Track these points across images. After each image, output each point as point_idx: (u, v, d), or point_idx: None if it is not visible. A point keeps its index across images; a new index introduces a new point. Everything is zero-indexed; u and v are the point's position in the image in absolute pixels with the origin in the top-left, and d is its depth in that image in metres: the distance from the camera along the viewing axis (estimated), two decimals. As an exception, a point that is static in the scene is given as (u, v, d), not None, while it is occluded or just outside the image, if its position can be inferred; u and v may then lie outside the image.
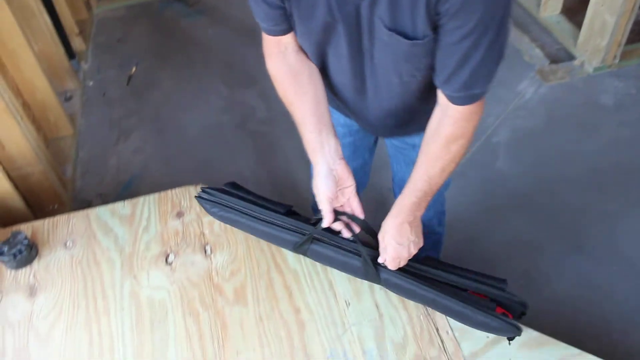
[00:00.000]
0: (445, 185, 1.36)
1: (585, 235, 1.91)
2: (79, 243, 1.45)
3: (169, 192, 1.56)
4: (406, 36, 0.89)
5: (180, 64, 2.90)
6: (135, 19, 3.28)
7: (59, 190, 2.06)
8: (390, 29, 0.89)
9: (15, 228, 1.50)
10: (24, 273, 1.41)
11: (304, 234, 1.24)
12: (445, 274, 1.19)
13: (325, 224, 1.12)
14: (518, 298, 1.14)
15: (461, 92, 0.92)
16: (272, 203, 1.33)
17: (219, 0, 3.33)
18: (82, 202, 2.19)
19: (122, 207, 1.54)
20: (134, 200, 1.55)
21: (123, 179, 2.30)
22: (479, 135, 2.28)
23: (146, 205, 1.53)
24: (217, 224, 1.44)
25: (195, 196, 1.41)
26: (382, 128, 1.26)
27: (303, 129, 1.10)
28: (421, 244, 1.15)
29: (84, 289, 1.36)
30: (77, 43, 2.92)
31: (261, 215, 1.30)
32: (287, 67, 1.09)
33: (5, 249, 1.39)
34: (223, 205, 1.35)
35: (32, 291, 1.36)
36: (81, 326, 1.29)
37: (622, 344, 1.61)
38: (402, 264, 1.15)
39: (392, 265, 1.14)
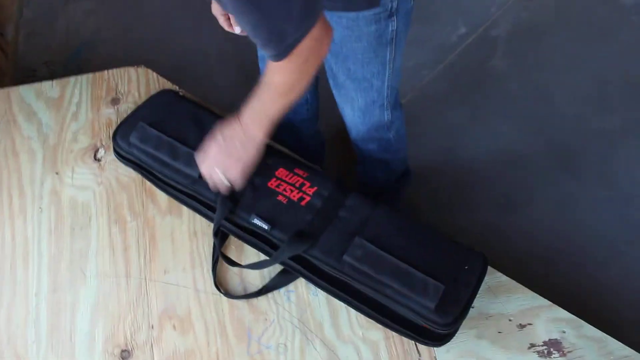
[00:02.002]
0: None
1: (576, 153, 1.74)
2: (-4, 127, 1.25)
3: (105, 72, 1.33)
4: None
5: None
6: None
7: (-5, 54, 1.82)
8: None
9: None
10: None
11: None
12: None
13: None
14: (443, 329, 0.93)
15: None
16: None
17: None
18: (26, 71, 1.95)
19: (50, 88, 1.32)
20: (64, 80, 1.33)
21: (72, 44, 2.04)
22: (476, 26, 2.01)
23: (77, 87, 1.31)
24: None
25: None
26: None
27: None
28: (246, 162, 1.02)
29: (-2, 183, 1.19)
30: None
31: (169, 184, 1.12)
32: None
33: None
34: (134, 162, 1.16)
35: (-61, 180, 1.19)
36: (-7, 226, 1.14)
37: (595, 278, 1.51)
38: (208, 170, 1.03)
39: (202, 167, 1.04)
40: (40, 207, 1.15)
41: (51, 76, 1.89)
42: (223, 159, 1.01)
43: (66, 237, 1.11)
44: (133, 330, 1.01)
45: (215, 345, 0.98)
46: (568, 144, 1.75)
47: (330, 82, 1.20)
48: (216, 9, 1.09)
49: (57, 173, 1.19)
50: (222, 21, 1.10)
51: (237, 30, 1.08)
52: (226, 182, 1.02)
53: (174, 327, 1.01)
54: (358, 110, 1.20)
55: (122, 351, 0.99)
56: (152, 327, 1.01)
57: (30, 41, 2.04)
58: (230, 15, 1.06)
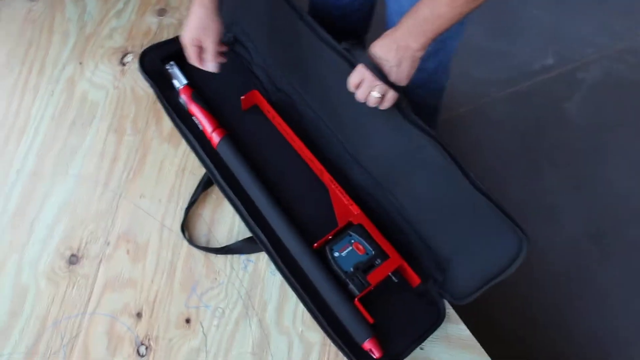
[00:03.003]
0: (455, 32, 1.11)
1: (613, 234, 1.60)
2: (43, -1, 1.24)
3: (164, -22, 1.30)
4: None
5: None
6: None
7: None
8: None
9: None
10: (-24, 8, 1.23)
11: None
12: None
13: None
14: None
15: None
16: None
17: None
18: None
19: (108, -24, 1.29)
20: (124, -27, 1.30)
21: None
22: (565, 62, 1.85)
23: (133, -16, 1.28)
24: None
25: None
26: None
27: None
28: (403, 83, 0.88)
29: (24, 54, 1.18)
30: None
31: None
32: None
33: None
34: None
35: (-26, 31, 1.20)
36: (4, 92, 1.14)
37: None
38: (364, 92, 0.89)
39: (352, 81, 0.89)
40: (52, 90, 1.14)
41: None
42: (375, 82, 0.88)
43: (65, 128, 1.10)
44: (90, 239, 0.99)
45: (158, 284, 0.96)
46: (603, 221, 1.61)
47: None
48: (188, 37, 0.96)
49: (80, 63, 1.17)
50: (191, 52, 0.97)
51: (209, 67, 0.98)
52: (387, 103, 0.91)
53: (128, 251, 0.99)
54: None
55: (72, 255, 0.98)
56: (108, 243, 0.99)
57: None
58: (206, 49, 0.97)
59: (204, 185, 1.04)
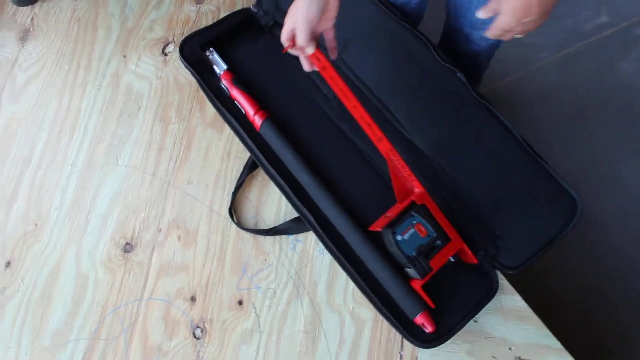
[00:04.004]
0: None
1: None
2: (86, -4, 1.27)
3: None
4: None
5: None
6: None
7: None
8: None
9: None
10: (24, 13, 1.28)
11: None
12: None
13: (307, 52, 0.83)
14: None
15: None
16: None
17: None
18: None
19: (146, -31, 1.31)
20: (161, -34, 1.31)
21: None
22: (619, 19, 1.75)
23: (170, -26, 1.29)
24: (232, 27, 1.20)
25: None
26: None
27: None
28: (541, 22, 0.79)
29: (72, 52, 1.22)
30: None
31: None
32: None
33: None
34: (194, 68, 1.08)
35: (24, 35, 1.25)
36: (55, 90, 1.18)
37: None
38: (507, 37, 0.82)
39: (491, 33, 0.82)
40: (99, 85, 1.17)
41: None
42: (518, 31, 0.81)
43: (113, 120, 1.13)
44: (142, 227, 1.02)
45: (209, 268, 0.98)
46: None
47: None
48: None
49: (124, 56, 1.20)
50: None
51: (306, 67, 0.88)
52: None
53: (179, 237, 1.01)
54: None
55: (126, 244, 1.01)
56: (160, 230, 1.02)
57: None
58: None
59: (249, 168, 1.04)
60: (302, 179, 0.98)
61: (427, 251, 0.87)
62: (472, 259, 0.89)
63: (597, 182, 1.53)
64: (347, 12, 0.89)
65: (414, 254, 0.86)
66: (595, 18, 1.76)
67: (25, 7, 1.28)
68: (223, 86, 1.08)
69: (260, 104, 1.05)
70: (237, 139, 1.07)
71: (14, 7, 1.28)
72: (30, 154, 1.12)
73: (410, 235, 0.87)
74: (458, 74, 0.98)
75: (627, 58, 1.70)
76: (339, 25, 0.84)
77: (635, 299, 1.39)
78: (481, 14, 0.82)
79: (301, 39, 0.80)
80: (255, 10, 1.14)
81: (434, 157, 0.98)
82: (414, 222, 0.88)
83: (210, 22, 1.20)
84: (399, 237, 0.87)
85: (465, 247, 0.89)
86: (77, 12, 1.26)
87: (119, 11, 1.26)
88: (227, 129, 1.09)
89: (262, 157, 1.00)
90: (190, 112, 1.12)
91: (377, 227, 0.89)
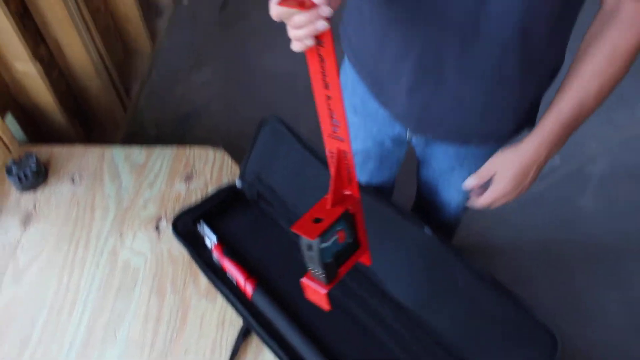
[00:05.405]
0: None
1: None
2: (85, 181, 1.39)
3: (187, 148, 1.45)
4: None
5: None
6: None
7: (115, 108, 2.03)
8: None
9: (35, 149, 1.47)
10: (28, 198, 1.38)
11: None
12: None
13: None
14: None
15: None
16: None
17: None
18: (138, 127, 2.15)
19: (138, 153, 1.45)
20: (151, 148, 1.46)
21: (183, 111, 2.24)
22: (570, 160, 1.93)
23: (160, 158, 1.43)
24: (220, 200, 1.32)
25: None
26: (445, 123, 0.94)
27: None
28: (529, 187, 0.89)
29: (71, 233, 1.31)
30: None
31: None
32: None
33: (15, 168, 1.37)
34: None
35: (27, 219, 1.34)
36: (55, 271, 1.25)
37: None
38: (496, 204, 0.90)
39: (484, 201, 0.88)
40: (97, 263, 1.25)
41: (157, 136, 2.09)
42: (507, 200, 0.90)
43: (111, 296, 1.19)
44: (141, 403, 1.04)
45: None
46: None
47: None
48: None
49: (120, 235, 1.29)
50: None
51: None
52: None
53: (178, 411, 1.03)
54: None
55: (125, 422, 1.03)
56: (159, 405, 1.04)
57: (149, 101, 2.27)
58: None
59: (244, 335, 1.09)
60: (295, 342, 1.04)
61: (340, 257, 0.79)
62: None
63: (575, 314, 1.60)
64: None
65: (331, 260, 0.77)
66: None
67: (28, 193, 1.39)
68: (214, 258, 1.17)
69: (251, 272, 1.14)
70: (230, 307, 1.13)
71: (18, 193, 1.39)
72: (30, 333, 1.15)
73: (332, 242, 0.77)
74: (425, 230, 1.06)
75: (583, 195, 1.86)
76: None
77: None
78: (471, 182, 0.91)
79: None
80: (240, 185, 1.27)
81: (414, 307, 1.05)
82: (339, 228, 0.78)
83: (199, 198, 1.32)
84: (322, 245, 0.75)
85: (367, 252, 0.83)
86: (76, 195, 1.38)
87: (115, 192, 1.37)
88: (221, 297, 1.16)
89: (256, 325, 1.06)
90: (184, 284, 1.20)
91: (310, 234, 0.74)
